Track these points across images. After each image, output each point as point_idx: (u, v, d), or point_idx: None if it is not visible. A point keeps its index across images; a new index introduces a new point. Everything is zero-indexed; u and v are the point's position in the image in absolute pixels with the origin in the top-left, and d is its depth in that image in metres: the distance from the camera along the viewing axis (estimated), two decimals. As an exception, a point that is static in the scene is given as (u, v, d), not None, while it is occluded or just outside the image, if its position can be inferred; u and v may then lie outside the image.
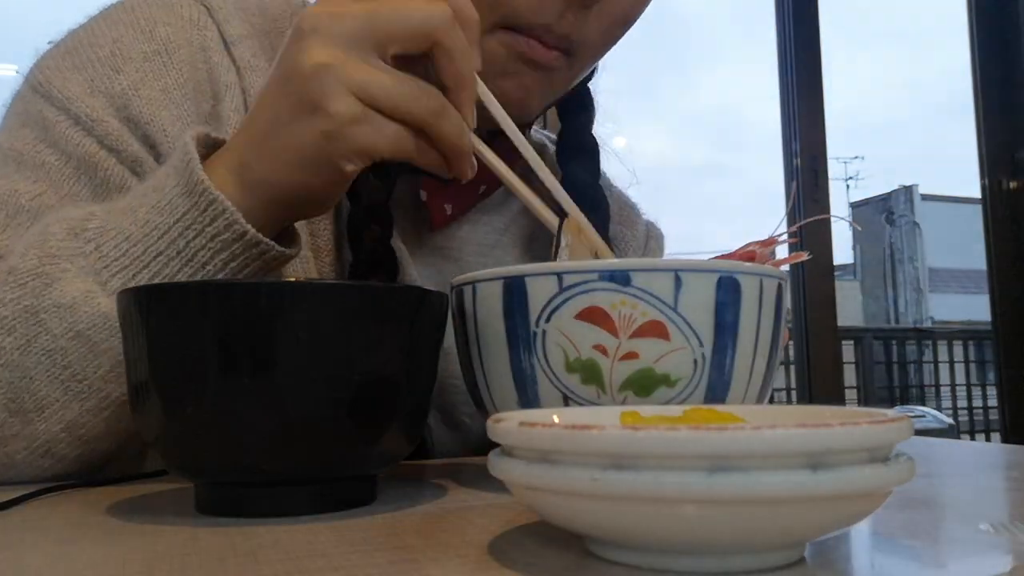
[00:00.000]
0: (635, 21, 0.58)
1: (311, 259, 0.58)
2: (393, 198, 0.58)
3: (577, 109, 0.67)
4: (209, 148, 0.47)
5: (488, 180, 0.63)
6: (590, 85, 0.67)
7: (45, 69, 0.57)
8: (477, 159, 0.47)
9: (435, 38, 0.42)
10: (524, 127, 0.61)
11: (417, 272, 0.61)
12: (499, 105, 0.48)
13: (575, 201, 0.58)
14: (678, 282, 0.37)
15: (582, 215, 0.49)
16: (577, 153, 0.66)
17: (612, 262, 0.38)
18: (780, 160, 2.44)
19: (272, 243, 0.45)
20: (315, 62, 0.41)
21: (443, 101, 0.43)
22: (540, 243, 0.68)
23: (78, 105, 0.55)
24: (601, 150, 0.68)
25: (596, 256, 0.49)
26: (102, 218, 0.46)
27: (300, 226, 0.53)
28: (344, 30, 0.42)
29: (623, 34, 0.58)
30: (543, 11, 0.51)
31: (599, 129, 0.68)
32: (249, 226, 0.44)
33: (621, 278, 0.37)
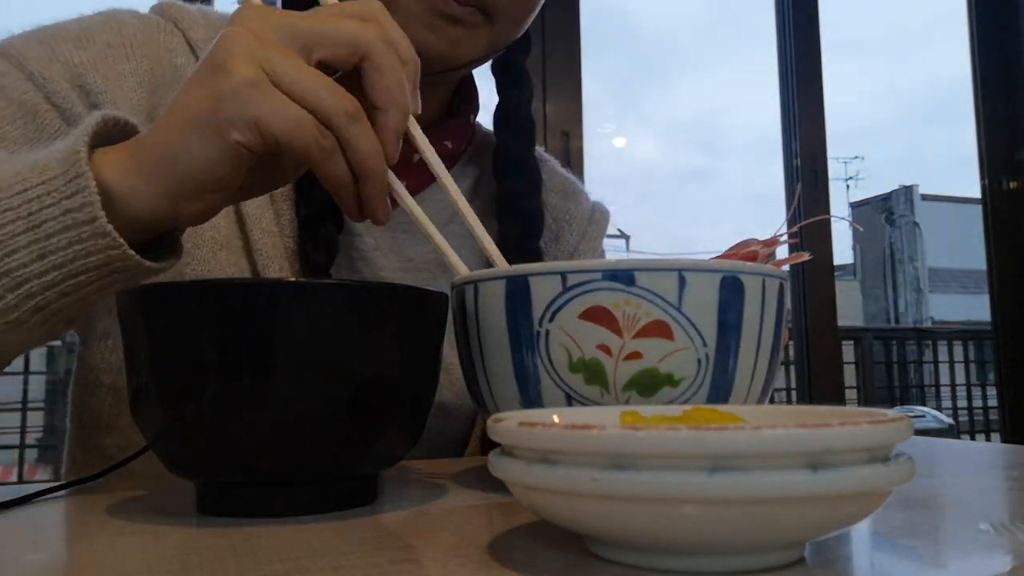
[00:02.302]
0: None
1: (269, 204, 0.61)
2: None
3: (511, 85, 0.72)
4: (127, 133, 0.45)
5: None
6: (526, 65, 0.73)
7: (11, 40, 0.59)
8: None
9: (366, 50, 0.41)
10: (455, 72, 0.65)
11: (375, 241, 0.65)
12: (429, 144, 0.47)
13: (506, 169, 0.69)
14: (682, 282, 0.37)
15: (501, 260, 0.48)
16: (510, 125, 0.71)
17: (616, 262, 0.38)
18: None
19: (120, 241, 0.41)
20: (232, 33, 0.40)
21: (359, 107, 0.41)
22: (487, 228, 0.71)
23: (34, 65, 0.57)
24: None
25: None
26: None
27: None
28: (272, 23, 0.41)
29: (537, 3, 0.62)
30: None
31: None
32: (103, 214, 0.40)
33: (625, 278, 0.37)
